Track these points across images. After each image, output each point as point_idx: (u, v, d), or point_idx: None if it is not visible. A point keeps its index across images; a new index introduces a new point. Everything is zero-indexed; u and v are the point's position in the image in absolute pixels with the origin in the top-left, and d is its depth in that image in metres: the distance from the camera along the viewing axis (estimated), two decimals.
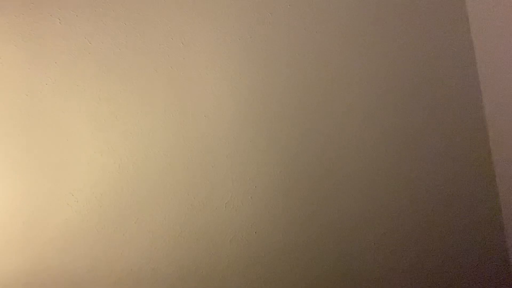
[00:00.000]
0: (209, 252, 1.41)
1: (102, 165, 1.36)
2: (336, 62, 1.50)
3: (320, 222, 1.47)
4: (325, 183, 1.48)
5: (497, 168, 1.55)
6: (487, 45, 1.52)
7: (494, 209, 1.56)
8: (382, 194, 1.51)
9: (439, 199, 1.54)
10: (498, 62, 1.49)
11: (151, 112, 1.39)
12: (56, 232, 1.33)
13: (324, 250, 1.47)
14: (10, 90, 1.32)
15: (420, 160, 1.53)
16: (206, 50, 1.43)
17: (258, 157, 1.44)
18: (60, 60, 1.35)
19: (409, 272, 1.51)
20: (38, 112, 1.33)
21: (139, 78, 1.39)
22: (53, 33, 1.35)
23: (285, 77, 1.47)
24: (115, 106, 1.38)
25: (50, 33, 1.35)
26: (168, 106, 1.40)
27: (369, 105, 1.51)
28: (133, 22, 1.40)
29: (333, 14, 1.51)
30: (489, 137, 1.56)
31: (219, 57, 1.44)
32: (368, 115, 1.51)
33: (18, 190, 1.32)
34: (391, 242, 1.50)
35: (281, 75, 1.47)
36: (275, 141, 1.45)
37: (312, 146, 1.47)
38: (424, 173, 1.53)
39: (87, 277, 1.34)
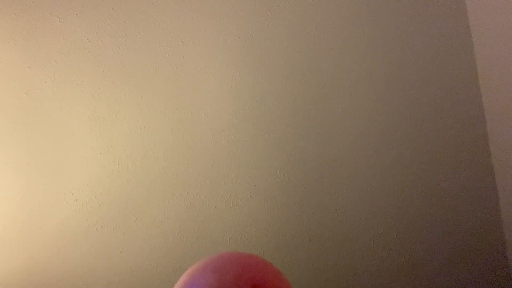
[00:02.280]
0: (208, 251, 1.41)
1: (101, 164, 1.36)
2: (336, 60, 1.50)
3: (319, 221, 1.47)
4: (324, 182, 1.48)
5: (497, 168, 1.55)
6: (487, 45, 1.52)
7: (493, 209, 1.56)
8: (381, 193, 1.51)
9: (438, 198, 1.53)
10: (498, 62, 1.48)
11: (151, 111, 1.39)
12: (56, 231, 1.33)
13: (323, 248, 1.47)
14: (9, 89, 1.32)
15: (419, 159, 1.53)
16: (205, 49, 1.43)
17: (257, 156, 1.44)
18: (60, 58, 1.35)
19: (407, 271, 1.51)
20: (37, 110, 1.33)
21: (139, 77, 1.39)
22: (53, 32, 1.36)
23: (284, 75, 1.47)
24: (114, 105, 1.38)
25: (50, 32, 1.35)
26: (167, 105, 1.40)
27: (368, 104, 1.51)
28: (133, 21, 1.40)
29: (332, 13, 1.51)
30: (488, 137, 1.56)
31: (218, 56, 1.44)
32: (367, 114, 1.51)
33: (17, 189, 1.32)
34: (389, 241, 1.50)
35: (280, 73, 1.47)
36: (274, 140, 1.46)
37: (311, 145, 1.47)
38: (422, 172, 1.53)
39: (86, 275, 1.34)
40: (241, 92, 1.44)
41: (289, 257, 1.46)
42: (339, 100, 1.50)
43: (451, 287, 1.52)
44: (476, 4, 1.54)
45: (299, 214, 1.46)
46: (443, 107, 1.55)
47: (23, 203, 1.32)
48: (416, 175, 1.53)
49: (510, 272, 1.55)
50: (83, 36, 1.37)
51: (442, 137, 1.55)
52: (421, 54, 1.55)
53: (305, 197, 1.46)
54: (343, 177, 1.49)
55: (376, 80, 1.52)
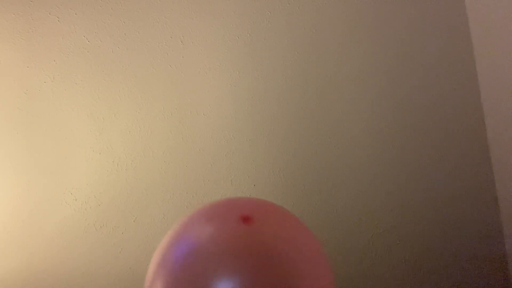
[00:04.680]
0: None
1: (101, 164, 1.36)
2: (335, 60, 1.50)
3: (318, 221, 1.47)
4: (323, 182, 1.47)
5: (496, 168, 1.55)
6: (487, 45, 1.52)
7: (493, 209, 1.56)
8: (380, 193, 1.50)
9: (437, 198, 1.53)
10: (498, 62, 1.48)
11: (150, 110, 1.39)
12: (55, 231, 1.33)
13: None
14: (9, 88, 1.32)
15: (418, 159, 1.53)
16: (205, 49, 1.43)
17: (257, 156, 1.44)
18: (59, 58, 1.35)
19: (406, 271, 1.51)
20: (36, 110, 1.33)
21: (138, 76, 1.39)
22: (52, 31, 1.36)
23: (284, 75, 1.47)
24: (114, 105, 1.38)
25: (49, 32, 1.35)
26: (166, 105, 1.40)
27: (368, 104, 1.51)
28: (132, 21, 1.40)
29: (332, 12, 1.51)
30: (488, 137, 1.56)
31: (218, 56, 1.44)
32: (366, 114, 1.51)
33: (16, 188, 1.32)
34: (388, 241, 1.50)
35: (279, 73, 1.47)
36: (274, 140, 1.45)
37: (310, 145, 1.47)
38: (422, 172, 1.53)
39: (85, 275, 1.34)
40: (240, 92, 1.44)
41: None
42: (339, 100, 1.49)
43: (450, 287, 1.52)
44: (476, 4, 1.54)
45: (299, 214, 1.45)
46: (443, 107, 1.55)
47: (22, 203, 1.31)
48: (415, 175, 1.53)
49: (510, 273, 1.55)
50: (83, 36, 1.37)
51: (442, 137, 1.54)
52: (420, 55, 1.55)
53: (304, 196, 1.46)
54: (343, 177, 1.49)
55: (375, 80, 1.52)
